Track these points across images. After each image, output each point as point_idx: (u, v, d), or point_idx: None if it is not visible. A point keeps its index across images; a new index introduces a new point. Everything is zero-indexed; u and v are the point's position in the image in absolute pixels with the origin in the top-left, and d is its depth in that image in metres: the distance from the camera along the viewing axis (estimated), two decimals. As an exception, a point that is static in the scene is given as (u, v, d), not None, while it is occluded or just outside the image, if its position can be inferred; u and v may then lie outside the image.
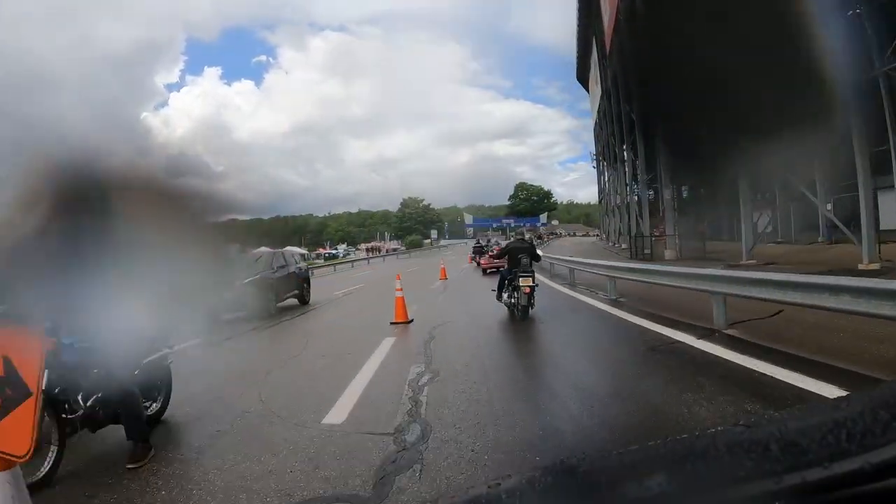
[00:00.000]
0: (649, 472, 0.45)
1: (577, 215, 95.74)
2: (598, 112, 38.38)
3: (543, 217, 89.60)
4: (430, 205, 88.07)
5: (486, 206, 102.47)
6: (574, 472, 0.49)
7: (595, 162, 46.41)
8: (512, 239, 8.61)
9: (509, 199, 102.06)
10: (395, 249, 60.27)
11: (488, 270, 16.82)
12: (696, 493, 0.41)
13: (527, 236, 8.87)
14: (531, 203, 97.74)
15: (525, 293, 6.88)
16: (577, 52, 43.22)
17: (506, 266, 7.65)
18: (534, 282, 7.05)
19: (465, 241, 66.89)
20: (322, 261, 39.53)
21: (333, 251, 60.81)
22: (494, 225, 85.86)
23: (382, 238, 79.74)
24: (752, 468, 0.41)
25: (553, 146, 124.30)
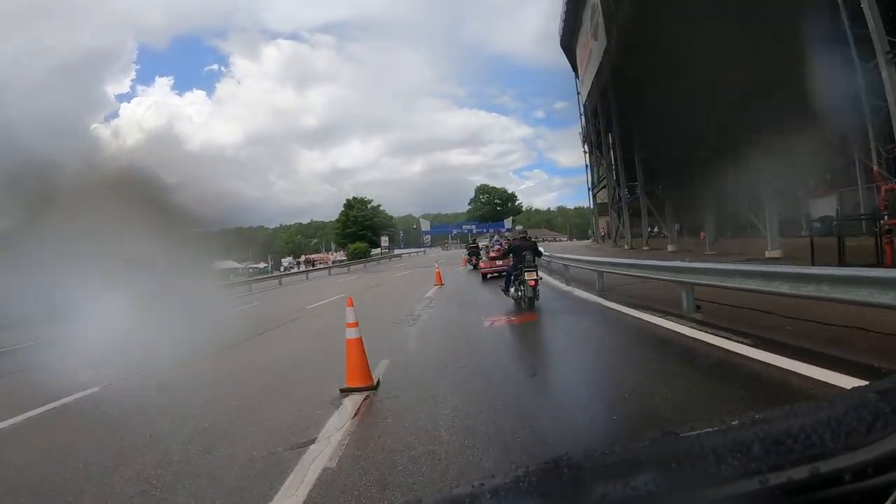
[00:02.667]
0: (635, 472, 0.45)
1: (538, 221, 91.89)
2: (592, 95, 32.24)
3: (508, 222, 78.95)
4: (380, 206, 71.27)
5: (444, 213, 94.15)
6: (559, 471, 0.49)
7: (587, 153, 40.50)
8: (497, 240, 8.83)
9: (469, 203, 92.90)
10: (340, 261, 47.35)
11: (489, 276, 13.48)
12: (681, 493, 0.41)
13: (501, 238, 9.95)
14: (493, 207, 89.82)
15: (531, 286, 7.46)
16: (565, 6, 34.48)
17: (511, 264, 8.29)
18: (538, 275, 7.64)
19: (423, 249, 61.43)
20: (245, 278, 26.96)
21: (264, 265, 49.11)
22: (455, 231, 75.67)
23: (328, 248, 68.70)
24: (738, 468, 0.40)
25: (508, 154, 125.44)
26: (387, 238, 65.09)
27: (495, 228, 75.56)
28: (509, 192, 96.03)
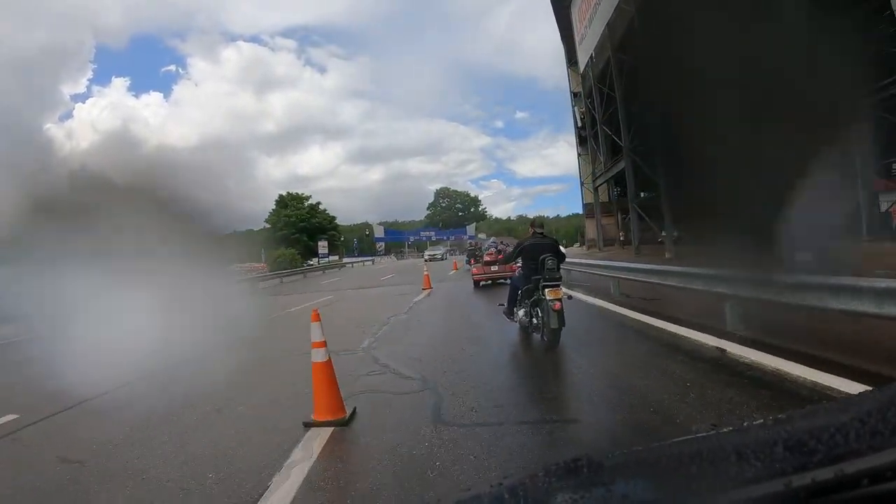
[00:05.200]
0: (656, 473, 0.45)
1: (499, 229, 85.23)
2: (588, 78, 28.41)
3: (471, 228, 69.96)
4: (319, 204, 56.08)
5: (401, 221, 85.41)
6: (578, 471, 0.49)
7: (579, 142, 34.41)
8: (493, 242, 7.84)
9: (428, 208, 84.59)
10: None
11: (482, 283, 12.05)
12: (704, 495, 0.41)
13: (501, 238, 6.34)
14: (454, 212, 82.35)
15: (555, 310, 4.71)
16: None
17: (517, 272, 5.74)
18: (563, 293, 4.97)
19: (372, 258, 53.71)
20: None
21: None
22: (412, 238, 67.04)
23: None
24: (761, 469, 0.40)
25: (467, 164, 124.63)
26: (325, 243, 49.87)
27: (457, 236, 67.47)
28: (472, 195, 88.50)
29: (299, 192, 55.55)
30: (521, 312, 5.41)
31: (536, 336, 5.19)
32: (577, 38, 30.79)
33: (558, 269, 4.98)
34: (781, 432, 0.44)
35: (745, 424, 0.51)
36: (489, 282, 12.01)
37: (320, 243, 49.07)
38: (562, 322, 4.74)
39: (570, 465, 0.49)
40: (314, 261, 43.65)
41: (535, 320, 5.10)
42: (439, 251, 43.66)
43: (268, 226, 48.29)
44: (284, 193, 53.67)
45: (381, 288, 15.16)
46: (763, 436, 0.44)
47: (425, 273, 13.64)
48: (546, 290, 4.80)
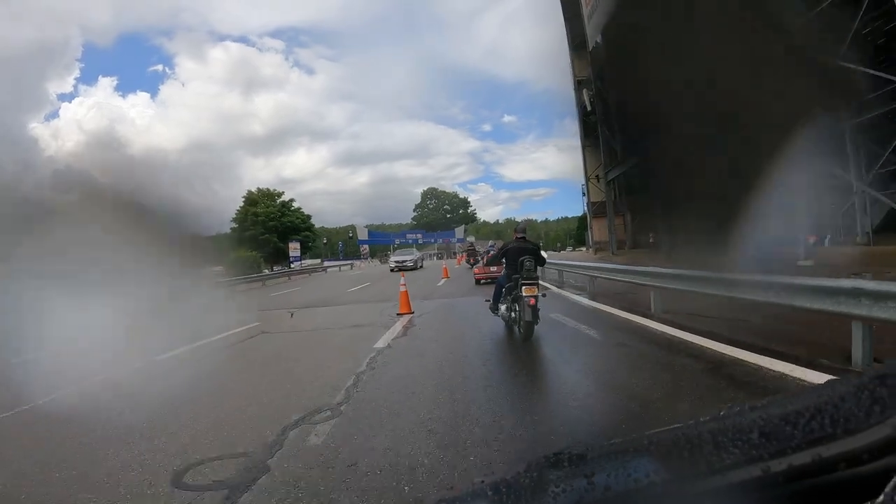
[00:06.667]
0: (636, 463, 0.45)
1: (487, 233, 78.70)
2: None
3: (460, 230, 66.87)
4: (292, 202, 50.92)
5: (388, 224, 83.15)
6: (561, 465, 0.49)
7: (584, 133, 31.48)
8: (492, 244, 7.77)
9: (415, 210, 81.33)
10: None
11: (482, 280, 13.70)
12: (683, 483, 0.41)
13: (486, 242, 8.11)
14: (442, 214, 78.67)
15: (530, 305, 5.31)
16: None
17: (503, 271, 6.20)
18: (539, 290, 5.52)
19: (357, 261, 49.61)
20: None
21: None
22: (397, 241, 61.52)
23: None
24: (738, 455, 0.40)
25: (454, 167, 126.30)
26: (297, 245, 44.00)
27: (444, 238, 65.59)
28: (461, 196, 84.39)
29: (271, 189, 50.30)
30: (503, 308, 6.07)
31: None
32: (585, 16, 28.63)
33: (535, 269, 5.57)
34: (757, 419, 0.44)
35: (721, 413, 0.52)
36: (489, 280, 12.86)
37: (291, 245, 43.74)
38: (536, 317, 5.34)
39: (552, 459, 0.49)
40: (268, 268, 37.10)
41: (513, 314, 5.76)
42: (410, 256, 27.53)
43: (234, 226, 44.14)
44: (254, 190, 48.65)
45: (345, 307, 10.50)
46: (739, 422, 0.44)
47: (402, 289, 8.72)
48: (523, 287, 5.41)
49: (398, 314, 8.11)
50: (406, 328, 7.00)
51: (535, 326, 5.40)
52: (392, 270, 23.45)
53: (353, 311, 9.66)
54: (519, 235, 6.04)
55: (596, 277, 9.86)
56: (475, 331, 6.43)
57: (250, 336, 7.36)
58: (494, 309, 6.36)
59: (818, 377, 3.36)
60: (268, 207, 48.09)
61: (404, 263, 25.28)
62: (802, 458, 0.38)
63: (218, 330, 7.03)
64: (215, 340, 6.64)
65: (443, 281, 15.58)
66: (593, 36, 27.12)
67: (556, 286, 11.38)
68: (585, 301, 8.62)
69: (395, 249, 45.87)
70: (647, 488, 0.41)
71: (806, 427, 0.41)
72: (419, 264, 28.32)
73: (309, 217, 52.72)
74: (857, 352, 3.63)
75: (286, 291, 17.33)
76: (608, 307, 7.56)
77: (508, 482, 0.48)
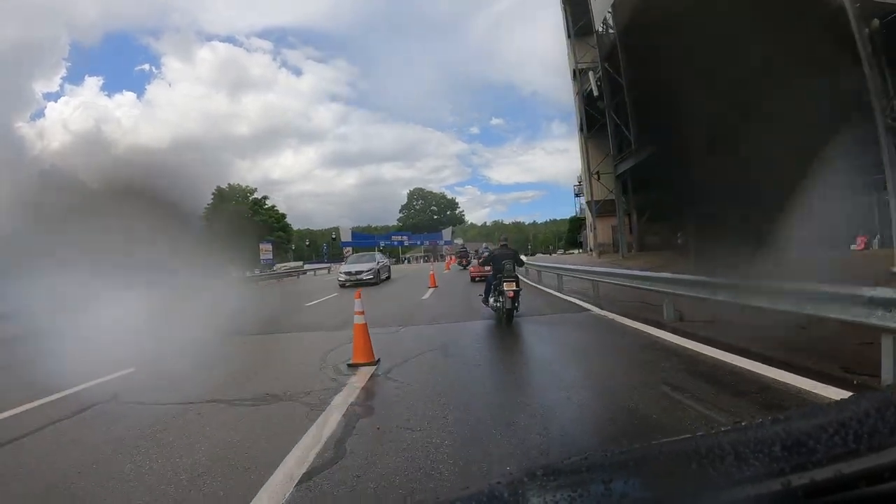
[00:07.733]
0: (654, 472, 0.45)
1: (475, 234, 76.57)
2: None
3: (447, 232, 64.79)
4: (265, 199, 49.41)
5: (374, 226, 79.97)
6: (578, 470, 0.49)
7: (587, 124, 28.13)
8: (486, 247, 8.40)
9: (401, 211, 79.24)
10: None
11: (477, 278, 14.65)
12: (702, 494, 0.41)
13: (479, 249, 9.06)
14: (429, 215, 77.19)
15: (509, 297, 7.05)
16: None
17: (491, 272, 7.93)
18: (518, 286, 7.22)
19: (335, 264, 39.60)
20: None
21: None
22: (382, 243, 57.57)
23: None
24: (759, 468, 0.40)
25: (441, 170, 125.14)
26: (269, 247, 38.68)
27: (431, 241, 63.02)
28: (449, 198, 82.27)
29: (242, 185, 45.17)
30: (491, 300, 7.62)
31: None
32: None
33: (514, 269, 7.30)
34: (780, 432, 0.44)
35: (743, 424, 0.51)
36: (482, 278, 12.93)
37: (262, 246, 37.58)
38: (515, 306, 7.10)
39: (569, 464, 0.49)
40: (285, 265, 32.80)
41: (498, 304, 7.34)
42: (368, 265, 18.19)
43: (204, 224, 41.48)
44: (225, 185, 40.97)
45: (282, 337, 7.26)
46: (761, 435, 0.44)
47: (357, 321, 5.02)
48: (504, 283, 7.12)
49: (350, 365, 4.77)
50: (354, 413, 3.38)
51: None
52: (342, 286, 16.07)
53: (286, 349, 6.52)
54: (502, 243, 8.09)
55: (638, 289, 7.14)
56: (502, 417, 3.08)
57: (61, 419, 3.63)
58: (485, 301, 7.88)
59: None
60: (239, 205, 42.66)
61: (359, 274, 17.05)
62: (824, 473, 0.38)
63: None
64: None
65: (429, 292, 11.71)
66: (600, 14, 23.70)
67: (597, 307, 7.94)
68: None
69: (348, 256, 29.39)
70: (664, 499, 0.41)
71: (829, 442, 0.40)
72: (382, 275, 18.64)
73: (283, 216, 49.97)
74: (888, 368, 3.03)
75: (227, 303, 10.05)
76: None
77: (525, 484, 0.49)
